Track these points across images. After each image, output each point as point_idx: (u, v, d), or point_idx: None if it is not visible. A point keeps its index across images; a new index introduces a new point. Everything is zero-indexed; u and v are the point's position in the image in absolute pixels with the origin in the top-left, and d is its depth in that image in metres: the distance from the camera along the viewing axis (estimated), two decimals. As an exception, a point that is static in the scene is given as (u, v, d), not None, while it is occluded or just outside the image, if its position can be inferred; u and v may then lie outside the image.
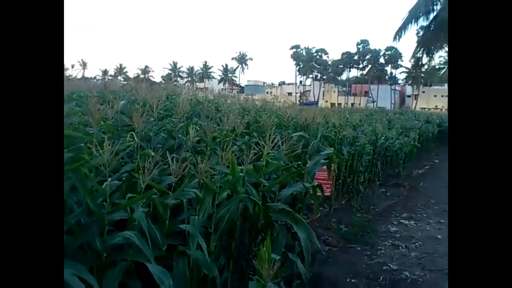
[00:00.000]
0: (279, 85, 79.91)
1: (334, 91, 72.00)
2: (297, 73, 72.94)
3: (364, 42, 68.76)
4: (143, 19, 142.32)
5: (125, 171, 2.65)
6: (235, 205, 2.68)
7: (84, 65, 74.30)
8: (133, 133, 2.86)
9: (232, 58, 76.23)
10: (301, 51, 71.96)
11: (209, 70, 75.40)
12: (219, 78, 74.62)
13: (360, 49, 68.87)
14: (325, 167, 4.45)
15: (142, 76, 66.93)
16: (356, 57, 69.48)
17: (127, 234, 1.89)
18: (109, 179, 1.96)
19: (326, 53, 71.81)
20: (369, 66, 68.85)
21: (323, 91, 72.78)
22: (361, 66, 70.37)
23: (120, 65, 74.26)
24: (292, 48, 72.16)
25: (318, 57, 71.61)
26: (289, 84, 78.10)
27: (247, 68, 77.50)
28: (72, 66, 69.84)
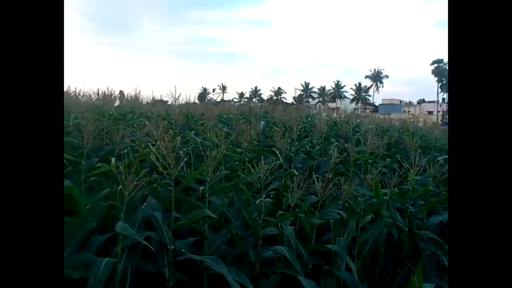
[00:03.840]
0: (418, 103, 74.60)
1: (483, 109, 63.85)
2: (439, 90, 67.20)
3: (522, 53, 59.80)
4: (273, 41, 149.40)
5: (271, 189, 2.83)
6: (379, 229, 2.61)
7: (223, 89, 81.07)
8: (278, 153, 3.04)
9: (366, 77, 74.35)
10: (444, 66, 66.22)
11: (341, 90, 74.90)
12: (351, 97, 73.45)
13: (516, 61, 60.05)
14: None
15: (274, 97, 69.93)
16: (510, 70, 60.77)
17: (279, 248, 2.01)
18: (264, 195, 2.13)
19: (473, 67, 64.50)
20: (528, 79, 59.39)
21: (469, 109, 65.19)
22: (517, 79, 61.22)
23: (255, 87, 78.94)
24: (433, 63, 67.01)
25: (463, 71, 64.76)
26: (429, 102, 72.35)
27: (382, 86, 74.49)
28: (213, 90, 76.84)
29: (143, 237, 1.84)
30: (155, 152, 1.80)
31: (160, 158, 1.84)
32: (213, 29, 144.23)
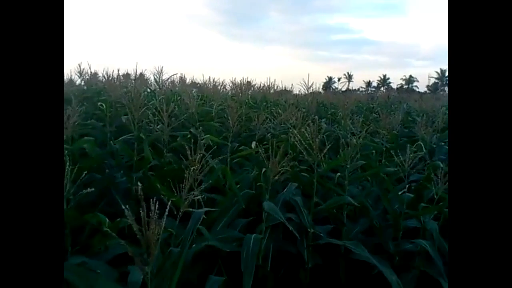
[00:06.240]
0: None
1: None
2: None
3: None
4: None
5: (411, 181, 2.69)
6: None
7: (349, 77, 78.90)
8: (421, 143, 2.86)
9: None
10: None
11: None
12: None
13: None
14: None
15: (405, 86, 65.47)
16: None
17: (421, 242, 1.91)
18: (406, 186, 2.04)
19: None
20: None
21: None
22: None
23: (384, 75, 74.91)
24: None
25: None
26: None
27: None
28: (339, 80, 75.37)
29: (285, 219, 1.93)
30: (300, 138, 1.87)
31: (304, 144, 1.90)
32: (340, 17, 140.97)
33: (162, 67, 5.51)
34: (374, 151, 2.83)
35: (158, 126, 2.81)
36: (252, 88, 6.98)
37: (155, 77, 5.49)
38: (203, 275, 1.76)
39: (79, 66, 5.34)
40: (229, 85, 6.67)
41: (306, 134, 1.87)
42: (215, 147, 2.76)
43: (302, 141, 1.89)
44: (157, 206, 1.13)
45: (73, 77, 5.74)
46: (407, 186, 2.06)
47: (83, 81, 5.50)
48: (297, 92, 7.27)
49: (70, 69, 5.49)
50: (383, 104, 6.74)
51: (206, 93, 5.91)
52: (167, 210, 1.04)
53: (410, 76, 71.79)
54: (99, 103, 3.97)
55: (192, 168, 1.49)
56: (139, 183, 1.03)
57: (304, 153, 1.90)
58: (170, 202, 1.12)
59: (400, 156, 2.15)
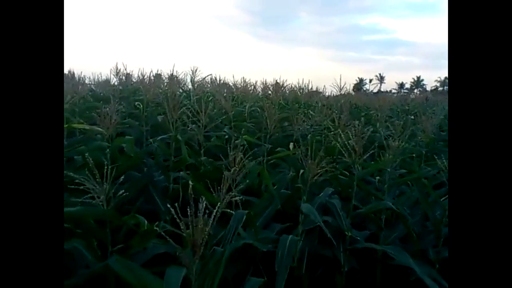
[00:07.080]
0: None
1: None
2: None
3: None
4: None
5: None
6: None
7: (381, 79, 77.44)
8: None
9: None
10: None
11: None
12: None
13: None
14: None
15: (440, 88, 63.72)
16: None
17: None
18: (448, 192, 1.97)
19: None
20: None
21: None
22: None
23: (418, 77, 73.10)
24: None
25: None
26: None
27: None
28: (370, 81, 74.11)
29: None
30: (344, 138, 1.85)
31: (348, 145, 1.88)
32: (372, 17, 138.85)
33: (197, 68, 5.57)
34: (413, 154, 2.77)
35: (193, 126, 2.85)
36: (282, 89, 6.95)
37: (191, 76, 5.56)
38: (238, 275, 1.77)
39: (116, 67, 5.49)
40: (260, 86, 6.68)
41: (350, 136, 1.85)
42: (247, 147, 2.78)
43: (346, 143, 1.86)
44: (197, 206, 1.14)
45: (109, 77, 5.91)
46: (448, 192, 1.99)
47: (117, 81, 5.65)
48: (328, 93, 7.20)
49: (109, 69, 5.64)
50: (418, 106, 6.56)
51: (237, 94, 5.94)
52: (215, 211, 1.04)
53: (446, 77, 69.68)
54: (136, 103, 4.06)
55: (232, 169, 1.49)
56: (190, 182, 1.04)
57: (346, 155, 1.87)
58: (206, 202, 1.13)
59: (444, 160, 2.08)
